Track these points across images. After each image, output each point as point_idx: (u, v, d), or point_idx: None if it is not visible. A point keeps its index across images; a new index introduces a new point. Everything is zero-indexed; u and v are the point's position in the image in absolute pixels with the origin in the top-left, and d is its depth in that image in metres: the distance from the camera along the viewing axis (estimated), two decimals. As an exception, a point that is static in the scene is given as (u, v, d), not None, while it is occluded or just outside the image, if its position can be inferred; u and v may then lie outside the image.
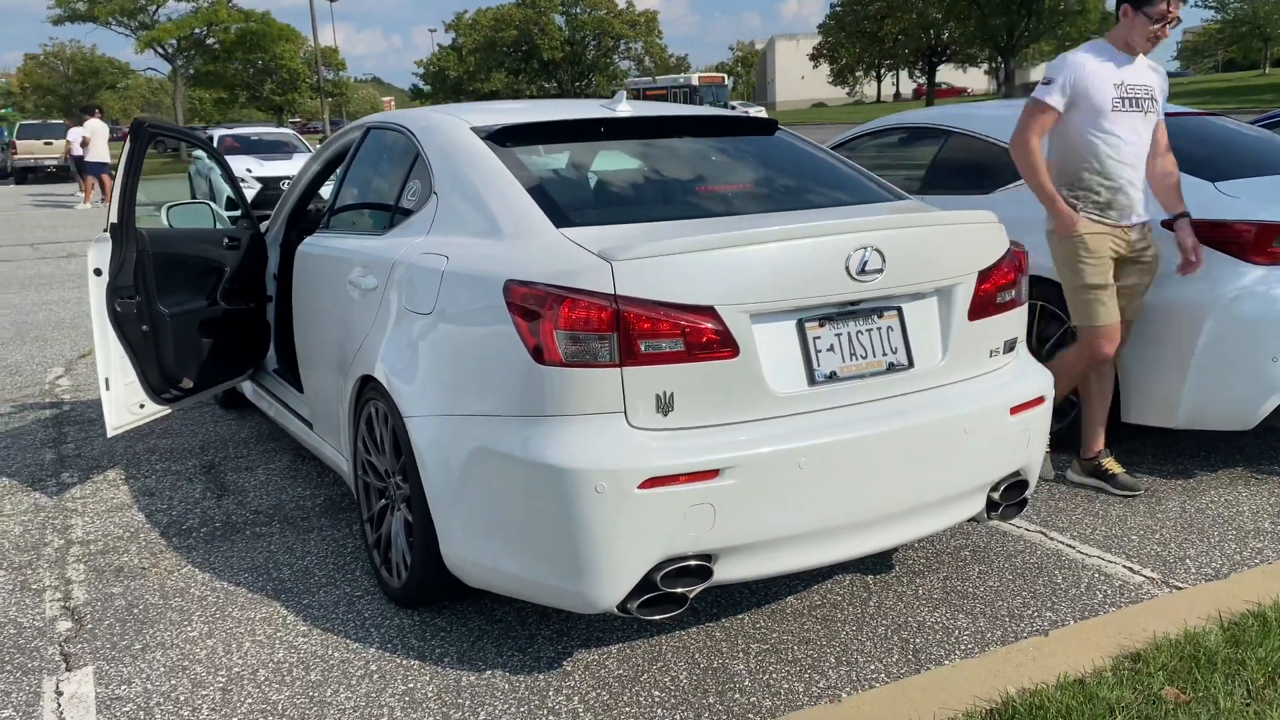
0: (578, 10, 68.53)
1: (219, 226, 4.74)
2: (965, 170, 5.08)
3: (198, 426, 5.36)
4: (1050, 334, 4.47)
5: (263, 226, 4.88)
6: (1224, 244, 3.98)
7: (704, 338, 2.54)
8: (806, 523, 2.64)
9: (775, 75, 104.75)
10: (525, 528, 2.62)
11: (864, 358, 2.77)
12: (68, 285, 10.60)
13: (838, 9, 52.65)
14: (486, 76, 69.55)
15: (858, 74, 64.01)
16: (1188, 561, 3.43)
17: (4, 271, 12.11)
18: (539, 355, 2.55)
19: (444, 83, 73.74)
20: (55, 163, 30.04)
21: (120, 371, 4.08)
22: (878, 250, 2.71)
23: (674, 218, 2.95)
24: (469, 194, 3.10)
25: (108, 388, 4.05)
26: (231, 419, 5.49)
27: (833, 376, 2.72)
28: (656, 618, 2.64)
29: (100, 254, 3.99)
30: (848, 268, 2.67)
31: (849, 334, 2.76)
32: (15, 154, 31.05)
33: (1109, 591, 3.21)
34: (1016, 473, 3.07)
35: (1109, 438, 4.16)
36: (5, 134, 35.62)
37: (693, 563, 2.57)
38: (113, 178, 20.04)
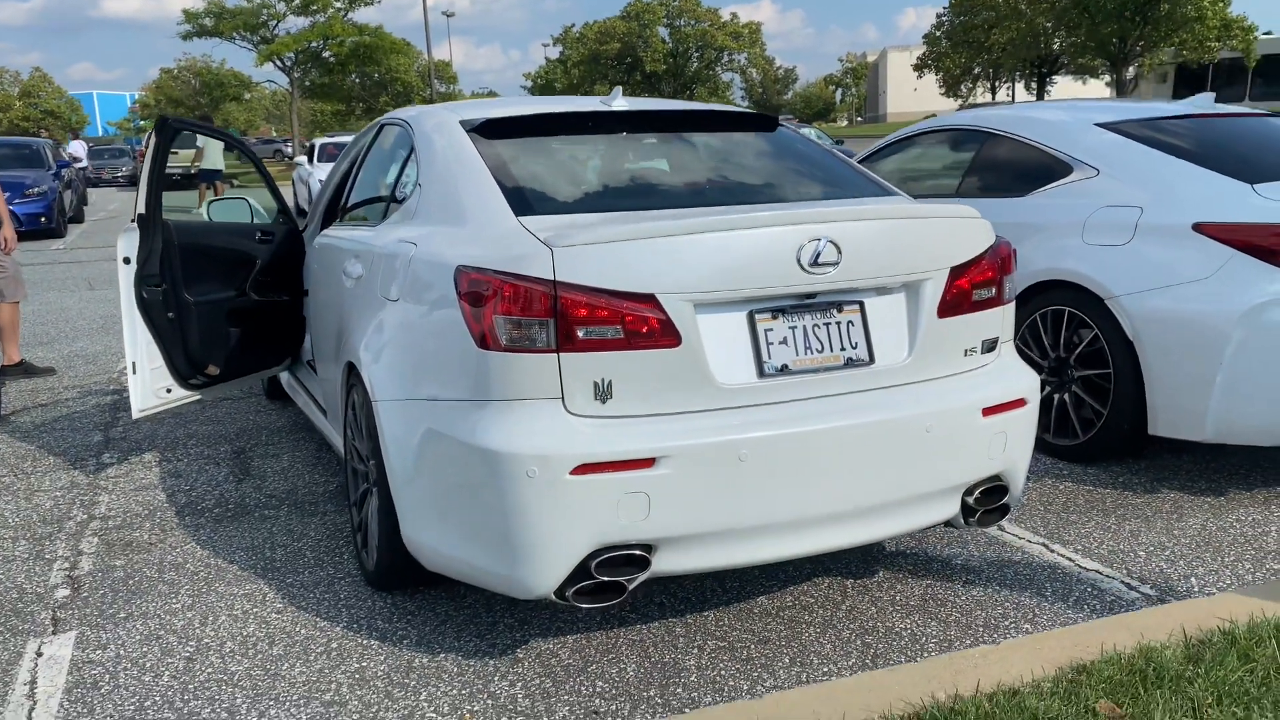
0: (681, 22, 68.83)
1: (255, 221, 4.92)
2: (1001, 172, 4.93)
3: (239, 415, 5.56)
4: (1079, 341, 4.30)
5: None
6: (1256, 248, 3.76)
7: (644, 326, 2.52)
8: (749, 517, 2.59)
9: (887, 87, 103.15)
10: (470, 512, 2.64)
11: (820, 351, 2.71)
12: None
13: (943, 19, 51.50)
14: (590, 88, 70.38)
15: (968, 84, 62.53)
16: (1192, 580, 3.24)
17: (113, 269, 12.79)
18: (483, 340, 2.57)
19: (550, 95, 74.96)
20: (180, 170, 31.56)
21: (147, 356, 4.27)
22: (833, 242, 2.65)
23: (637, 208, 2.94)
24: (445, 184, 3.15)
25: (134, 371, 4.24)
26: (274, 409, 5.68)
27: (784, 370, 2.67)
28: (595, 606, 2.63)
29: (129, 243, 4.19)
30: (799, 259, 2.62)
31: (805, 327, 2.71)
32: (143, 162, 32.70)
33: (1097, 607, 3.06)
34: (995, 477, 2.95)
35: (1142, 450, 3.96)
36: (136, 143, 37.64)
37: (630, 552, 2.55)
38: (229, 184, 20.96)
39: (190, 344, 4.38)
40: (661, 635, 2.98)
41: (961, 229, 2.92)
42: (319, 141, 20.65)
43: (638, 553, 2.56)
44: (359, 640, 3.00)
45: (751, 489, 2.57)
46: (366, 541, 3.33)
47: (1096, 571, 3.32)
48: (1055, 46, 44.74)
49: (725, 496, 2.56)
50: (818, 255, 2.63)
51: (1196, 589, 3.18)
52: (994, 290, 2.96)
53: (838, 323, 2.74)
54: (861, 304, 2.77)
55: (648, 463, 2.50)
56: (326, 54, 47.17)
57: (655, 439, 2.51)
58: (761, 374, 2.65)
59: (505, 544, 2.55)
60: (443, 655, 2.90)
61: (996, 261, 2.97)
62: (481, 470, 2.56)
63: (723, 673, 2.76)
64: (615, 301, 2.51)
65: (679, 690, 2.68)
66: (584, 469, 2.47)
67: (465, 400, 2.65)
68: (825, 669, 2.76)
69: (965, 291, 2.88)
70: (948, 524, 2.99)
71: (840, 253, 2.66)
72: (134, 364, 4.24)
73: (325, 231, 4.21)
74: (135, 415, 4.25)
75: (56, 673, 2.85)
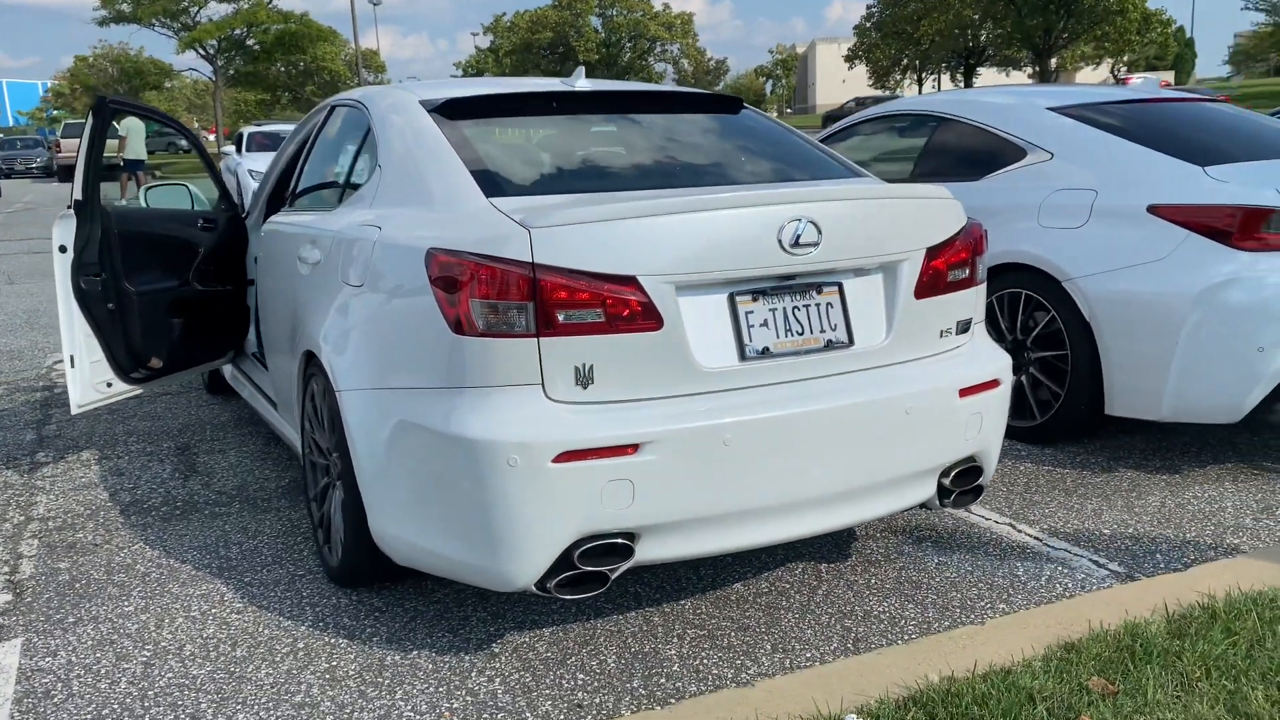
0: (613, 12, 68.60)
1: (196, 208, 4.73)
2: (956, 156, 4.96)
3: (180, 409, 5.36)
4: (1035, 324, 4.34)
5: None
6: (1210, 229, 3.82)
7: (625, 309, 2.46)
8: (733, 503, 2.55)
9: (816, 78, 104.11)
10: (446, 503, 2.56)
11: (800, 334, 2.68)
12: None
13: (873, 10, 52.10)
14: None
15: (896, 76, 63.40)
16: (1158, 556, 3.29)
17: (31, 263, 12.32)
18: (458, 326, 2.49)
19: (483, 84, 73.94)
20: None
21: (86, 350, 4.08)
22: (813, 223, 2.61)
23: (611, 189, 2.87)
24: (408, 165, 3.04)
25: (72, 365, 4.04)
26: (215, 403, 5.49)
27: (765, 352, 2.62)
28: (577, 597, 2.57)
29: (65, 231, 3.99)
30: (780, 240, 2.58)
31: (785, 309, 2.67)
32: (59, 152, 31.53)
33: (1069, 585, 3.09)
34: (970, 458, 2.95)
35: (1097, 430, 4.01)
36: (49, 134, 36.25)
37: (612, 541, 2.49)
38: (150, 175, 20.31)
39: (132, 336, 4.20)
40: (639, 625, 2.92)
41: (936, 210, 2.91)
42: (248, 130, 20.15)
43: (621, 541, 2.50)
44: (326, 639, 2.89)
45: (736, 474, 2.53)
46: (329, 537, 3.22)
47: (1065, 550, 3.35)
48: (982, 38, 45.58)
49: (710, 482, 2.51)
50: (798, 236, 2.59)
51: (1163, 565, 3.22)
52: (968, 271, 2.95)
53: (817, 304, 2.71)
54: (840, 285, 2.74)
55: (631, 449, 2.44)
56: (251, 42, 45.99)
57: (639, 424, 2.45)
58: (743, 357, 2.60)
59: (484, 535, 2.47)
60: (415, 652, 2.80)
61: (970, 242, 2.97)
62: (458, 460, 2.47)
63: (705, 661, 2.72)
64: (596, 284, 2.44)
65: (662, 680, 2.63)
66: (566, 456, 2.40)
67: (438, 388, 2.56)
68: (808, 654, 2.73)
69: (941, 272, 2.87)
70: (923, 506, 2.99)
71: (820, 233, 2.63)
72: (72, 358, 4.04)
73: (274, 218, 4.06)
74: (74, 411, 4.06)
75: (3, 681, 2.70)
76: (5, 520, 3.86)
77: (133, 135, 20.67)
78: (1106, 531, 3.49)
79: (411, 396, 2.63)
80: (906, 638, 2.79)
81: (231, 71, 47.41)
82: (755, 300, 2.63)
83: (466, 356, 2.49)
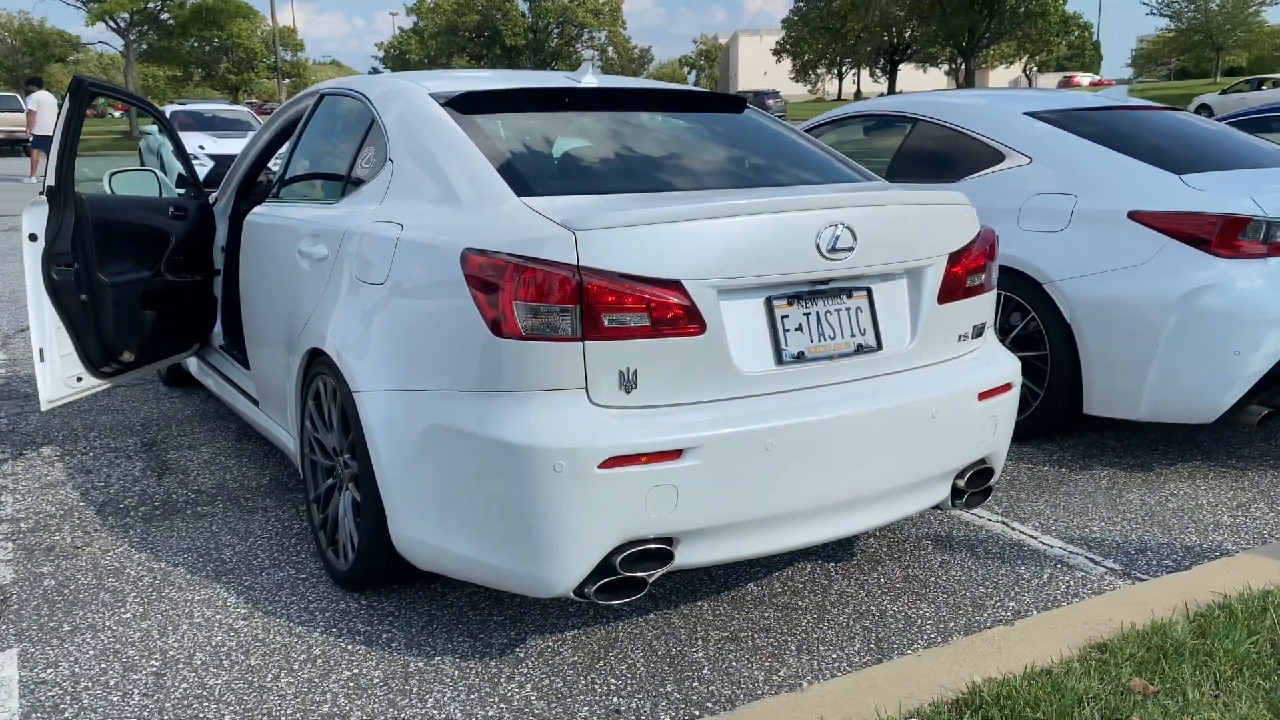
0: (541, -3, 68.06)
1: (165, 196, 4.56)
2: (931, 158, 5.04)
3: (139, 404, 5.17)
4: (1013, 325, 4.44)
5: (211, 198, 4.71)
6: (1189, 236, 3.96)
7: (670, 313, 2.44)
8: (771, 506, 2.56)
9: (738, 70, 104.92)
10: (479, 508, 2.51)
11: (832, 338, 2.69)
12: (7, 259, 10.26)
13: (801, 4, 52.74)
14: (448, 61, 68.83)
15: (819, 71, 64.27)
16: (1149, 554, 3.40)
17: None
18: (497, 327, 2.44)
19: (405, 66, 72.84)
20: (4, 134, 29.16)
21: (56, 343, 3.90)
22: (849, 228, 2.63)
23: (639, 190, 2.85)
24: (425, 161, 2.97)
25: (42, 359, 3.86)
26: (176, 396, 5.30)
27: (800, 357, 2.64)
28: (615, 603, 2.55)
29: (36, 218, 3.80)
30: (818, 245, 2.59)
31: (818, 314, 2.68)
32: None
33: (1071, 582, 3.18)
34: (982, 460, 3.02)
35: (1070, 428, 4.13)
36: None
37: (653, 546, 2.48)
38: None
39: (105, 329, 4.03)
40: (661, 628, 2.92)
41: (955, 216, 2.95)
42: (169, 109, 19.45)
43: (661, 546, 2.49)
44: (343, 645, 2.82)
45: (775, 478, 2.54)
46: (334, 540, 3.14)
47: (1060, 548, 3.44)
48: (907, 35, 46.46)
49: (750, 486, 2.51)
50: (835, 240, 2.61)
51: (1154, 561, 3.33)
52: (984, 276, 3.01)
53: (847, 309, 2.73)
54: (869, 290, 2.77)
55: (676, 454, 2.43)
56: (165, 16, 44.41)
57: (683, 430, 2.44)
58: (780, 361, 2.61)
59: (523, 540, 2.44)
60: (438, 658, 2.76)
61: (985, 248, 3.02)
62: (498, 464, 2.43)
63: (734, 663, 2.73)
64: (641, 288, 2.42)
65: (695, 684, 2.63)
66: (613, 462, 2.38)
67: (473, 390, 2.51)
68: (833, 655, 2.76)
69: (960, 278, 2.92)
70: (935, 507, 3.04)
71: (855, 238, 2.65)
72: (41, 351, 3.86)
73: (259, 209, 3.93)
74: (44, 407, 3.88)
75: (6, 696, 2.57)
76: (-28, 522, 3.68)
77: (43, 110, 19.82)
78: (1095, 529, 3.60)
79: (442, 398, 2.57)
80: (926, 637, 2.84)
81: (144, 46, 45.72)
82: (791, 304, 2.64)
83: (505, 359, 2.44)
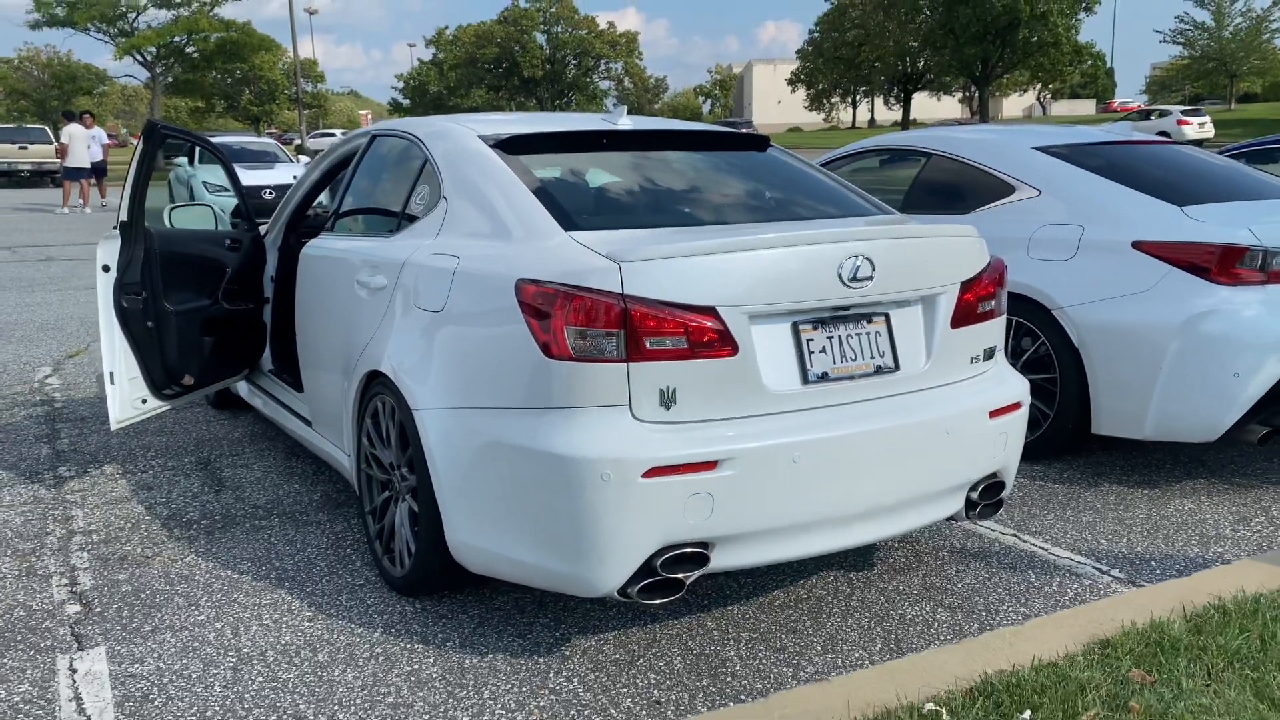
0: (559, 29, 68.98)
1: (220, 229, 4.85)
2: (945, 190, 5.29)
3: (191, 425, 5.44)
4: (1025, 349, 4.67)
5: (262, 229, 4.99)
6: (1190, 265, 4.18)
7: (706, 336, 2.69)
8: (798, 515, 2.79)
9: (752, 99, 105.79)
10: (532, 515, 2.75)
11: (853, 360, 2.93)
12: (49, 288, 10.60)
13: (816, 35, 53.37)
14: (467, 92, 69.80)
15: (834, 100, 64.84)
16: (1153, 563, 3.60)
17: (-15, 274, 12.10)
18: (548, 350, 2.69)
19: (424, 97, 73.90)
20: (30, 168, 29.80)
21: (125, 366, 4.18)
22: (868, 259, 2.88)
23: (674, 224, 3.11)
24: (478, 199, 3.24)
25: (112, 382, 4.14)
26: (224, 418, 5.57)
27: (824, 377, 2.88)
28: (655, 602, 2.78)
29: (109, 251, 4.09)
30: (840, 274, 2.84)
31: (840, 337, 2.92)
32: None
33: (1079, 590, 3.38)
34: (994, 474, 3.24)
35: (1080, 447, 4.34)
36: None
37: (691, 549, 2.71)
38: (91, 184, 19.81)
39: (168, 354, 4.31)
40: (695, 629, 3.14)
41: (966, 247, 3.19)
42: (199, 141, 19.86)
43: (698, 550, 2.72)
44: (403, 644, 3.05)
45: (802, 489, 2.77)
46: (390, 548, 3.38)
47: (1070, 558, 3.65)
48: (921, 65, 46.94)
49: (779, 496, 2.75)
50: (856, 270, 2.85)
51: (1159, 571, 3.54)
52: (994, 303, 3.24)
53: (867, 333, 2.97)
54: (887, 315, 3.01)
55: (711, 465, 2.66)
56: (191, 49, 45.32)
57: (718, 443, 2.68)
58: (805, 380, 2.85)
59: (573, 544, 2.67)
60: (491, 655, 2.99)
61: (995, 276, 3.26)
62: (549, 475, 2.67)
63: (764, 661, 2.95)
64: (680, 314, 2.66)
65: (729, 680, 2.85)
66: (655, 472, 2.62)
67: (526, 407, 2.76)
68: (856, 654, 2.98)
69: (972, 304, 3.16)
70: (949, 518, 3.26)
71: (874, 268, 2.89)
72: (111, 374, 4.14)
73: (315, 242, 4.21)
74: (114, 427, 4.15)
75: (99, 688, 2.82)
76: (48, 534, 3.94)
77: (75, 142, 20.34)
78: (1104, 542, 3.81)
79: (496, 415, 2.82)
80: (943, 638, 3.06)
81: (170, 79, 46.63)
82: (815, 329, 2.88)
83: (555, 378, 2.69)
